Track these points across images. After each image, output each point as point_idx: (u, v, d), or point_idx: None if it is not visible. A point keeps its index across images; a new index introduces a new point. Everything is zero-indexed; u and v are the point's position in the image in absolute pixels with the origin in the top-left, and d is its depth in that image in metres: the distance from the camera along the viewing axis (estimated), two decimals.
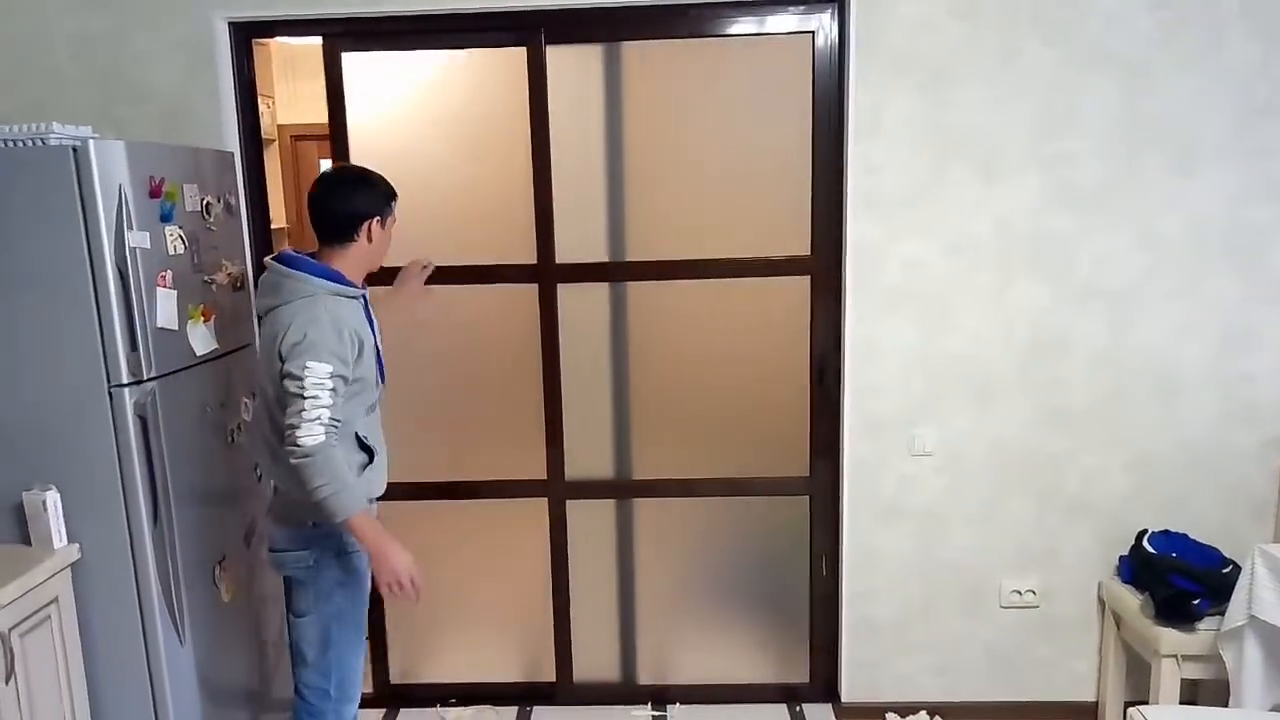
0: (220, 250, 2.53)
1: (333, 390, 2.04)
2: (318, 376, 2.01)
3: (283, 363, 2.04)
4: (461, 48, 2.82)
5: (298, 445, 2.00)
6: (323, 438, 2.00)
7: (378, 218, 2.19)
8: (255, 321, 2.37)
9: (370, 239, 2.19)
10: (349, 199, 2.17)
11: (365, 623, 2.35)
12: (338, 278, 2.15)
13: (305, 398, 2.00)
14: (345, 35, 2.81)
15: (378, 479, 2.29)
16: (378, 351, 2.27)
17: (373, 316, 2.26)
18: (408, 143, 2.87)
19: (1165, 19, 2.64)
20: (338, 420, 2.05)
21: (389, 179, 2.25)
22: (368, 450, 2.22)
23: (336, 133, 2.86)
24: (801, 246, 2.89)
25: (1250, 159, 2.70)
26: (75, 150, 2.08)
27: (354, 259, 2.19)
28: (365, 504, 2.14)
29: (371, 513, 2.23)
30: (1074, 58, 2.67)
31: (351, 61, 2.84)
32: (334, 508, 2.04)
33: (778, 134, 2.84)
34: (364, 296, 2.23)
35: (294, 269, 2.12)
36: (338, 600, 2.25)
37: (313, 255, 2.20)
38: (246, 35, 2.82)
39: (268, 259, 2.20)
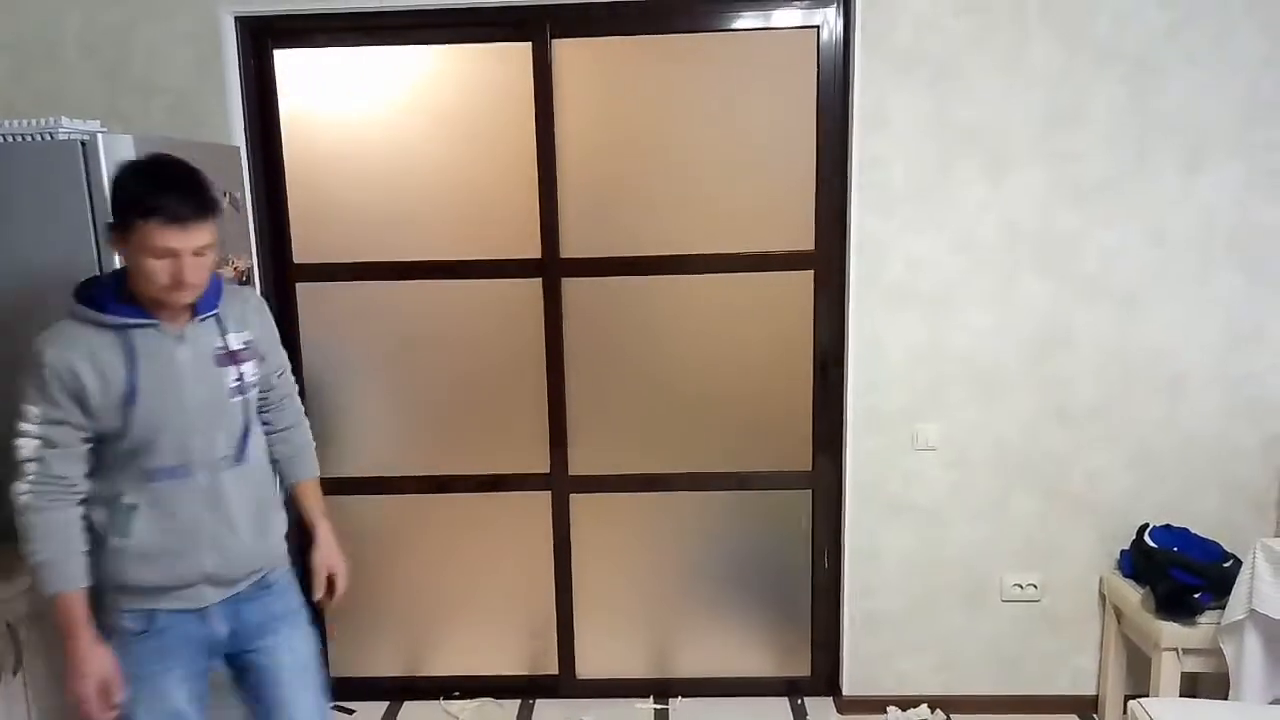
0: (227, 245, 2.52)
1: (42, 441, 1.69)
2: (25, 420, 1.70)
3: None
4: (468, 42, 2.82)
5: (13, 496, 1.70)
6: (26, 495, 1.69)
7: (111, 225, 1.70)
8: None
9: (116, 253, 1.78)
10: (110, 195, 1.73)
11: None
12: (91, 298, 1.73)
13: (13, 447, 1.69)
14: (347, 30, 2.81)
15: (136, 568, 1.77)
16: (146, 404, 1.73)
17: (142, 357, 1.73)
18: (412, 138, 2.87)
19: (1173, 15, 2.64)
20: (60, 476, 1.71)
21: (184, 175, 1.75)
22: (123, 525, 1.76)
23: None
24: (806, 241, 2.90)
25: (1257, 155, 2.70)
26: (83, 144, 2.09)
27: (132, 275, 1.74)
28: (67, 585, 1.71)
29: (113, 603, 1.79)
30: (1081, 54, 2.67)
31: (352, 57, 2.84)
32: (40, 579, 1.72)
33: (783, 129, 2.84)
34: (133, 329, 1.73)
35: (81, 284, 1.78)
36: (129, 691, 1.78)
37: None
38: (256, 32, 2.82)
39: None
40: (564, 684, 3.20)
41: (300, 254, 2.96)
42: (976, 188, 2.76)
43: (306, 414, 2.99)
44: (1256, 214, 2.73)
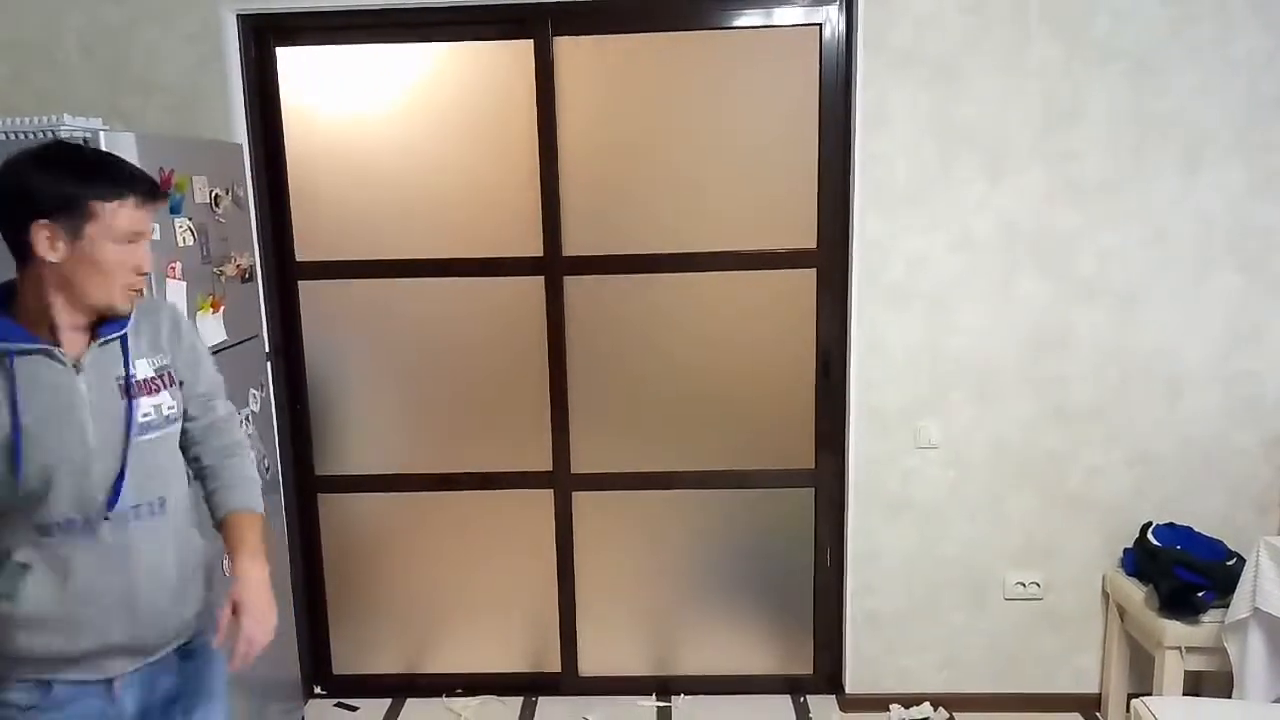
0: (229, 242, 2.53)
1: None
2: None
3: None
4: (470, 40, 2.82)
5: None
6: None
7: (44, 220, 1.40)
8: None
9: (39, 253, 1.41)
10: (5, 193, 1.43)
11: None
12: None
13: None
14: (349, 28, 2.81)
15: (26, 635, 1.50)
16: (35, 445, 1.45)
17: (26, 390, 1.44)
18: (414, 135, 2.87)
19: (1174, 14, 2.64)
20: None
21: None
22: (11, 587, 1.49)
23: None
24: (807, 240, 2.90)
25: (1258, 155, 2.70)
26: (85, 142, 2.08)
27: (37, 289, 1.46)
28: None
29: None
30: (1082, 53, 2.67)
31: (355, 55, 2.85)
32: None
33: (784, 127, 2.84)
34: (16, 354, 1.44)
35: None
36: None
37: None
38: (258, 30, 2.82)
39: None
40: (566, 682, 3.20)
41: (302, 252, 2.96)
42: (977, 186, 2.75)
43: (308, 412, 3.01)
44: (1256, 214, 2.73)
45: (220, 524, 1.71)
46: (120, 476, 1.51)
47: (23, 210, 1.40)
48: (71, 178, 1.42)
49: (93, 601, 1.51)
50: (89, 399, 1.49)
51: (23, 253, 1.43)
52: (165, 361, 1.61)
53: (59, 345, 1.47)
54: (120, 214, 1.44)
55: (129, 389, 1.53)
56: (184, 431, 1.67)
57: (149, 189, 1.48)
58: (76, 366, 1.48)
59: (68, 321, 1.47)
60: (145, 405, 1.54)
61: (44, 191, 1.40)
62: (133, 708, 1.60)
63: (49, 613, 1.49)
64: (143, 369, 1.56)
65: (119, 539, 1.52)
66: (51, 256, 1.41)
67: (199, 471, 1.73)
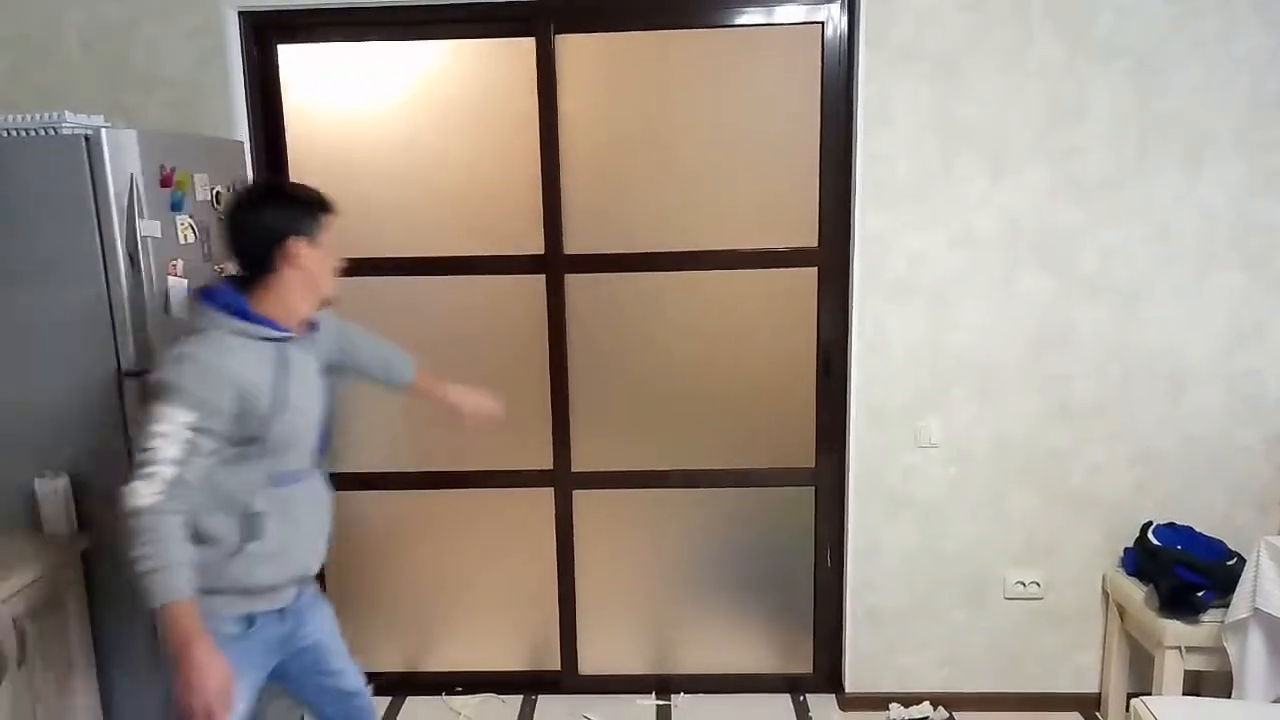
0: None
1: (188, 444, 1.67)
2: (169, 425, 1.67)
3: None
4: (472, 37, 2.82)
5: (131, 499, 1.64)
6: (154, 499, 1.64)
7: (301, 237, 1.80)
8: None
9: (299, 264, 1.81)
10: (257, 221, 1.81)
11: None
12: (245, 312, 1.79)
13: (145, 449, 1.66)
14: (351, 25, 2.81)
15: (265, 569, 1.85)
16: (296, 411, 1.84)
17: (295, 367, 1.85)
18: (415, 133, 2.87)
19: (1177, 11, 2.63)
20: (190, 483, 1.69)
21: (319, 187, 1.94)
22: (256, 529, 1.81)
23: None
24: (809, 238, 2.90)
25: (1260, 153, 2.70)
26: (87, 139, 2.09)
27: (283, 293, 1.83)
28: (185, 593, 1.67)
29: (219, 608, 1.81)
30: (1084, 50, 2.67)
31: (356, 52, 2.84)
32: (147, 588, 1.65)
33: (786, 124, 2.84)
34: (283, 341, 1.83)
35: (202, 299, 1.81)
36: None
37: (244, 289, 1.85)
38: (260, 27, 2.81)
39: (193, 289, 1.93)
40: (566, 680, 3.20)
41: None
42: (979, 184, 2.75)
43: None
44: (1258, 212, 2.73)
45: (411, 386, 2.30)
46: (323, 435, 1.96)
47: (278, 235, 1.79)
48: (309, 195, 1.86)
49: (303, 537, 1.92)
50: (314, 377, 1.92)
51: (272, 266, 1.81)
52: (329, 345, 2.05)
53: (295, 334, 1.87)
54: (333, 224, 1.88)
55: (323, 370, 1.97)
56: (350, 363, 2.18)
57: (333, 206, 1.91)
58: (306, 350, 1.91)
59: (302, 315, 1.88)
60: (329, 381, 2.00)
61: (293, 216, 1.82)
62: (290, 629, 1.98)
63: (279, 548, 1.86)
64: (327, 354, 2.02)
65: (314, 486, 1.97)
66: (306, 264, 1.82)
67: (373, 371, 2.24)
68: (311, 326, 1.94)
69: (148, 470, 1.65)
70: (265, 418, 1.78)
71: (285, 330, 1.84)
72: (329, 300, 1.93)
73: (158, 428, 1.67)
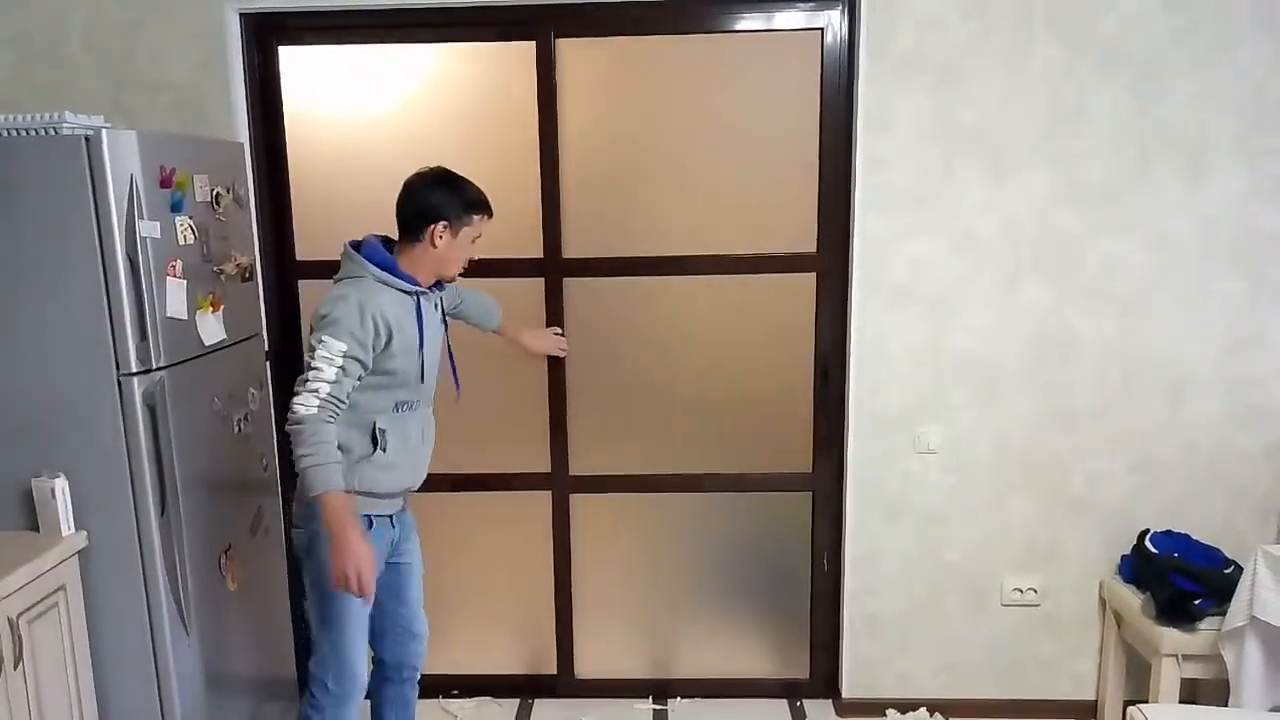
0: (230, 241, 2.53)
1: (341, 369, 2.06)
2: (329, 351, 2.05)
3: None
4: (472, 41, 2.83)
5: (291, 411, 2.05)
6: (315, 410, 2.04)
7: (444, 222, 2.19)
8: None
9: (435, 243, 2.20)
10: (418, 197, 2.20)
11: (366, 616, 2.27)
12: (389, 266, 2.18)
13: (311, 368, 2.06)
14: (351, 28, 2.82)
15: (384, 476, 2.23)
16: (425, 350, 2.24)
17: (425, 316, 2.24)
18: (415, 136, 2.87)
19: (1178, 20, 2.64)
20: (341, 400, 2.08)
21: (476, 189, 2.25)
22: (380, 443, 2.20)
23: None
24: (808, 243, 2.90)
25: (1260, 162, 2.70)
26: (87, 139, 2.09)
27: (420, 259, 2.22)
28: (340, 485, 2.06)
29: (355, 507, 2.16)
30: (1085, 58, 2.67)
31: (356, 54, 2.85)
32: (311, 480, 2.05)
33: (786, 130, 2.84)
34: (419, 294, 2.23)
35: (356, 252, 2.19)
36: (327, 587, 2.17)
37: (391, 246, 2.25)
38: (261, 29, 2.82)
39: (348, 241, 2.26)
40: (563, 684, 3.20)
41: (303, 251, 2.97)
42: (979, 191, 2.75)
43: None
44: (1259, 220, 2.73)
45: (500, 329, 2.75)
46: (435, 378, 2.32)
47: (429, 215, 2.18)
48: (475, 194, 2.23)
49: (413, 454, 2.29)
50: (438, 325, 2.33)
51: (415, 237, 2.21)
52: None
53: (427, 290, 2.26)
54: (480, 224, 2.25)
55: (444, 319, 2.38)
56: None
57: (492, 211, 2.27)
58: (435, 304, 2.31)
59: (430, 278, 2.26)
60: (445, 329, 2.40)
61: (459, 201, 2.20)
62: (396, 538, 2.36)
63: (396, 461, 2.23)
64: (446, 307, 2.41)
65: (425, 415, 2.34)
66: (438, 245, 2.20)
67: (475, 318, 2.70)
68: (438, 285, 2.31)
69: (311, 386, 2.04)
70: (398, 354, 2.16)
71: (419, 285, 2.22)
72: (449, 279, 2.31)
73: (320, 352, 2.05)
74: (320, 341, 2.06)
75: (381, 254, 2.19)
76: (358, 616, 2.25)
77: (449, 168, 2.27)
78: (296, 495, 2.26)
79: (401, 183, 2.95)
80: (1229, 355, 2.81)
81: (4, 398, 2.22)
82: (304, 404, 2.05)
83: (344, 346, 2.06)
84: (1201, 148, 2.70)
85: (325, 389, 2.05)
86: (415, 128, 2.88)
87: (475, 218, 2.23)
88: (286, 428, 2.07)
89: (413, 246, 2.22)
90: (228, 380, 2.54)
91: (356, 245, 2.21)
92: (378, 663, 2.49)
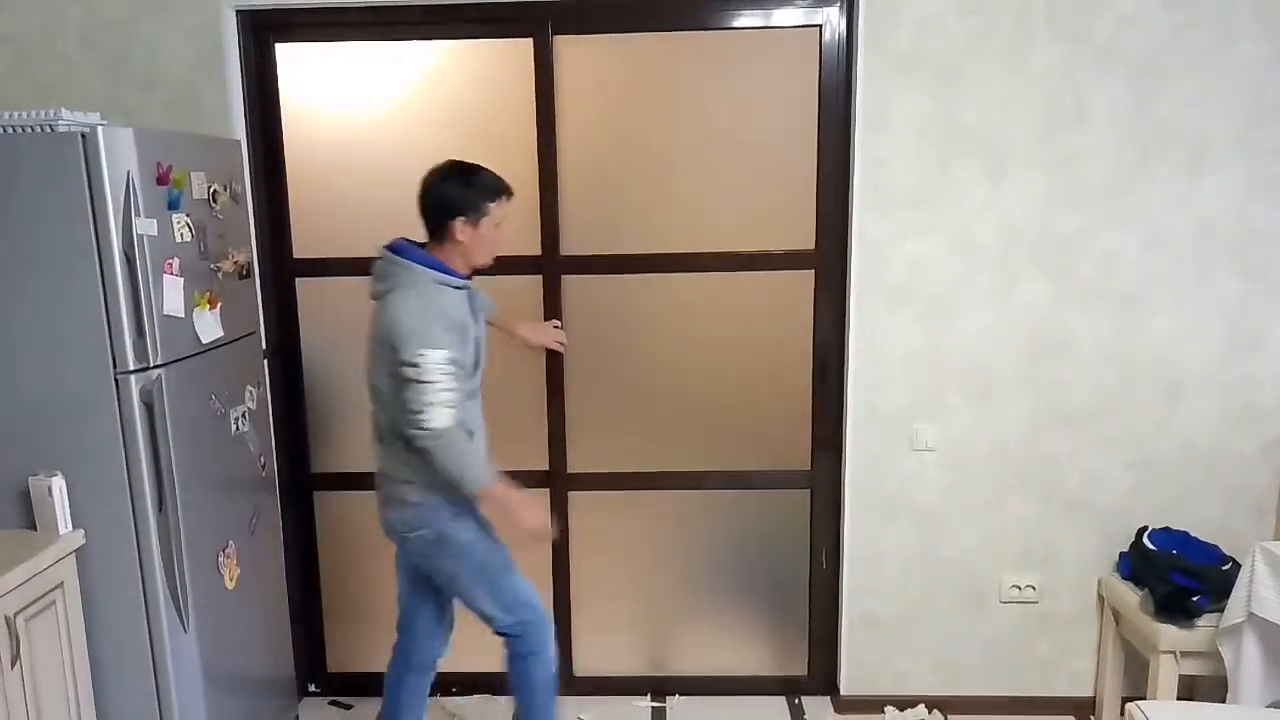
0: (227, 238, 2.53)
1: (449, 374, 2.13)
2: (434, 362, 2.11)
3: (396, 352, 2.14)
4: (470, 38, 2.82)
5: (425, 429, 2.12)
6: (449, 420, 2.13)
7: (462, 217, 2.23)
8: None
9: (459, 238, 2.24)
10: (434, 195, 2.24)
11: (509, 554, 2.40)
12: (441, 267, 2.23)
13: (425, 383, 2.11)
14: (349, 25, 2.81)
15: None
16: (478, 340, 2.32)
17: (476, 307, 2.33)
18: (412, 133, 2.87)
19: (1176, 18, 2.63)
20: (457, 402, 2.16)
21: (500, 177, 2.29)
22: (468, 434, 2.28)
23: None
24: (806, 241, 2.89)
25: (1259, 160, 2.70)
26: (84, 137, 2.08)
27: (451, 254, 2.26)
28: (492, 477, 2.22)
29: (447, 501, 2.30)
30: (1083, 56, 2.67)
31: (354, 51, 2.84)
32: (474, 478, 2.18)
33: (784, 127, 2.84)
34: (468, 288, 2.30)
35: (401, 257, 2.22)
36: (479, 551, 2.34)
37: (423, 245, 2.29)
38: (257, 26, 2.81)
39: (381, 245, 2.28)
40: (561, 681, 3.18)
41: (300, 249, 2.96)
42: (977, 189, 2.75)
43: (305, 410, 3.05)
44: (1257, 219, 2.73)
45: (493, 319, 2.64)
46: (477, 363, 2.33)
47: (448, 211, 2.22)
48: (493, 180, 2.25)
49: (482, 441, 2.36)
50: (481, 314, 2.38)
51: (443, 235, 2.25)
52: None
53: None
54: (501, 209, 2.27)
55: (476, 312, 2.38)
56: None
57: (510, 191, 2.29)
58: (475, 294, 2.35)
59: (465, 270, 2.30)
60: None
61: (478, 190, 2.24)
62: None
63: (476, 446, 2.29)
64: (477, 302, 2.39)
65: (480, 401, 2.38)
66: (462, 239, 2.23)
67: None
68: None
69: (436, 399, 2.11)
70: (476, 349, 2.27)
71: (466, 279, 2.29)
72: (484, 267, 2.33)
73: (427, 365, 2.10)
74: (420, 355, 2.11)
75: (425, 255, 2.24)
76: (510, 563, 2.40)
77: (459, 159, 2.30)
78: (386, 507, 2.35)
79: (399, 179, 2.97)
80: (1227, 354, 2.81)
81: (1, 395, 2.21)
82: (438, 418, 2.12)
83: (444, 353, 2.13)
84: (1200, 146, 2.70)
85: (447, 396, 2.13)
86: (413, 125, 2.87)
87: (492, 205, 2.26)
88: (427, 444, 2.13)
89: (441, 244, 2.27)
90: (225, 378, 2.53)
91: (401, 249, 2.24)
92: (405, 649, 2.57)
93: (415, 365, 2.10)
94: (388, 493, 2.33)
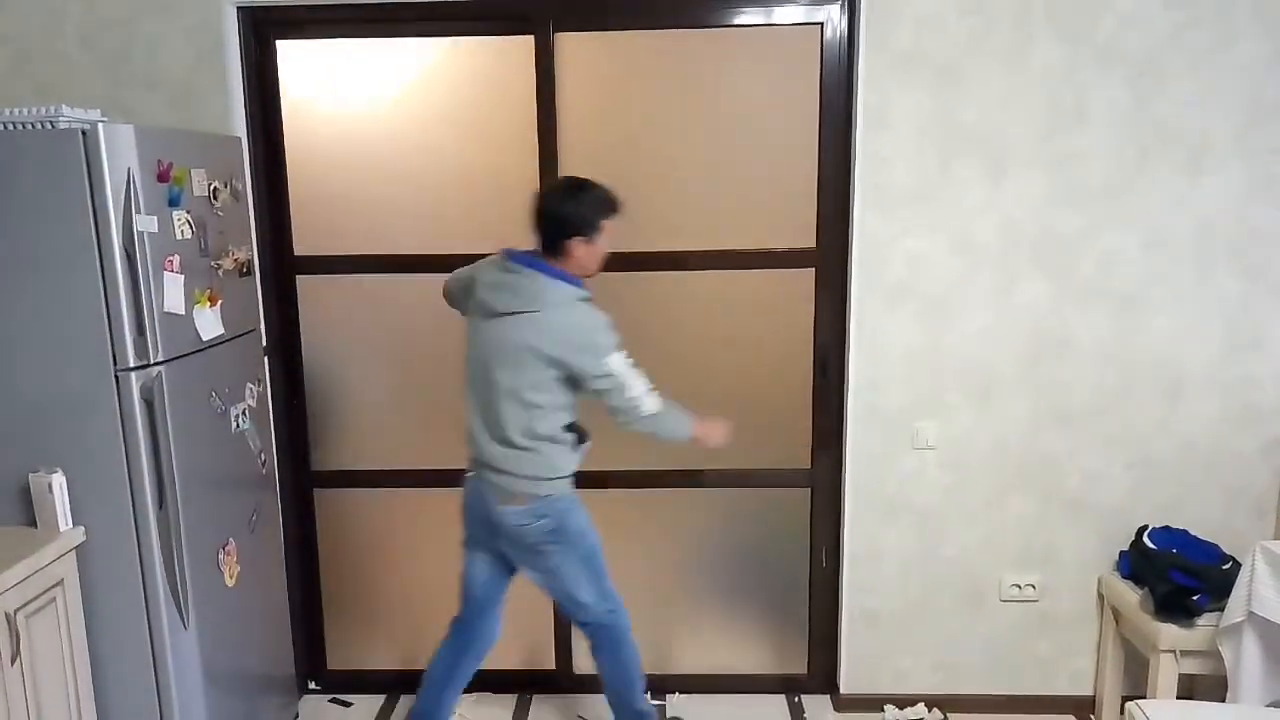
0: (227, 236, 2.53)
1: (634, 365, 2.35)
2: (622, 364, 2.31)
3: (566, 367, 2.30)
4: (471, 35, 2.82)
5: (644, 416, 2.37)
6: (658, 403, 2.38)
7: (580, 237, 2.32)
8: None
9: (574, 254, 2.33)
10: (552, 214, 2.33)
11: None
12: (576, 282, 2.35)
13: (625, 384, 2.32)
14: (349, 22, 2.81)
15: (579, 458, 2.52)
16: None
17: None
18: (413, 130, 2.87)
19: (1177, 18, 2.63)
20: (650, 386, 2.38)
21: (610, 191, 2.36)
22: (582, 435, 2.48)
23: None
24: (806, 239, 2.89)
25: (1259, 160, 2.70)
26: (84, 134, 2.08)
27: (569, 266, 2.35)
28: (689, 418, 2.50)
29: (569, 488, 2.51)
30: (1084, 55, 2.66)
31: (355, 49, 2.84)
32: (684, 437, 2.49)
33: (785, 125, 2.84)
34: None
35: (539, 274, 2.31)
36: (589, 539, 2.52)
37: (538, 254, 2.37)
38: (258, 23, 2.81)
39: (504, 260, 2.36)
40: (561, 679, 3.20)
41: (300, 246, 2.96)
42: (978, 188, 2.75)
43: (305, 407, 3.04)
44: (1257, 218, 2.73)
45: None
46: None
47: (565, 230, 2.32)
48: (612, 198, 2.35)
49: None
50: None
51: (559, 251, 2.34)
52: None
53: None
54: (612, 225, 2.37)
55: None
56: None
57: (621, 207, 2.38)
58: None
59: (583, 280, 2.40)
60: None
61: (601, 208, 2.34)
62: None
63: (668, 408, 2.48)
64: None
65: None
66: (578, 255, 2.34)
67: None
68: None
69: (642, 389, 2.35)
70: None
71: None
72: (589, 276, 2.42)
73: (621, 370, 2.31)
74: (609, 364, 2.31)
75: (563, 271, 2.34)
76: (603, 557, 2.59)
77: (574, 175, 2.41)
78: (505, 502, 2.43)
79: (400, 177, 2.98)
80: (1227, 353, 2.81)
81: (1, 392, 2.21)
82: (649, 404, 2.37)
83: (621, 353, 2.33)
84: (1200, 146, 2.70)
85: (644, 384, 2.36)
86: (414, 122, 2.87)
87: (606, 222, 2.35)
88: (648, 427, 2.40)
89: (557, 258, 2.35)
90: (225, 375, 2.53)
91: (538, 264, 2.33)
92: (472, 633, 2.69)
93: (610, 375, 2.30)
94: (509, 489, 2.41)
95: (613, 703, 2.71)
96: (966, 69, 2.69)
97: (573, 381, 2.35)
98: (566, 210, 2.32)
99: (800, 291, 2.93)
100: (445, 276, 2.93)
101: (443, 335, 2.99)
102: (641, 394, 2.35)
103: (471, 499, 2.54)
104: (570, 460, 2.45)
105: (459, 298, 2.54)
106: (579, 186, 2.36)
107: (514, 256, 2.35)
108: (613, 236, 2.39)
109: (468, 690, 3.16)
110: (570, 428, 2.44)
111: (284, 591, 2.92)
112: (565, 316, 2.29)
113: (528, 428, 2.36)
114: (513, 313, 2.31)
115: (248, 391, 2.65)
